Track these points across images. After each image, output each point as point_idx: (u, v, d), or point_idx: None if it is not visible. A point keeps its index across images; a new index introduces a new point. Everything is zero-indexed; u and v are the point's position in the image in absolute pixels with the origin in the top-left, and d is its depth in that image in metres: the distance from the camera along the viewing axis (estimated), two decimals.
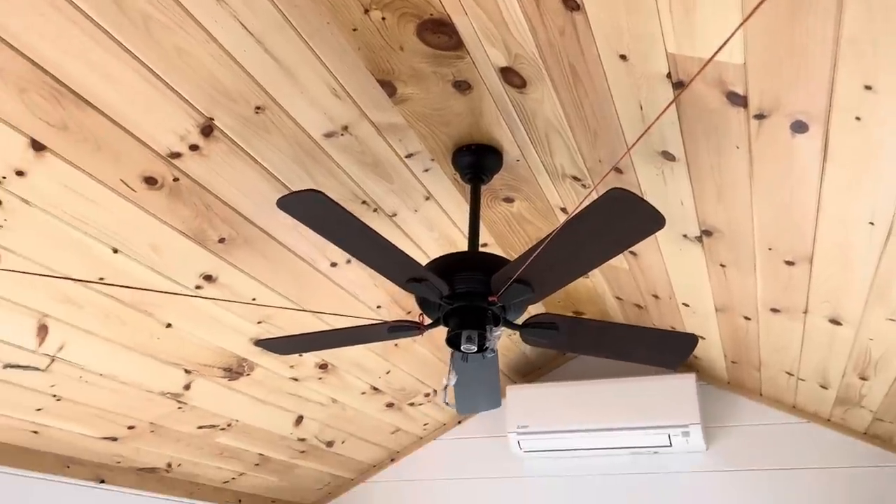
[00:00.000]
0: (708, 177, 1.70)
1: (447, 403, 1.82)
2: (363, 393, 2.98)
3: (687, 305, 2.51)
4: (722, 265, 2.10)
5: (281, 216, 1.92)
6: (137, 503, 2.74)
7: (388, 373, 2.92)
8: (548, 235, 1.40)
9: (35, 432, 2.27)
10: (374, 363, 2.81)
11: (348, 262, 2.23)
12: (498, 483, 3.44)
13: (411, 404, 3.27)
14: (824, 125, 1.38)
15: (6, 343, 1.89)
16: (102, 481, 2.59)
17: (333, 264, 2.21)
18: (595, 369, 3.48)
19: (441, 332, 2.79)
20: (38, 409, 2.18)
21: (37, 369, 2.02)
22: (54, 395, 2.15)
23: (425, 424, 3.53)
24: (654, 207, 1.27)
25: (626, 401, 3.07)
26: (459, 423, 3.63)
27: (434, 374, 3.09)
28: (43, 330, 1.91)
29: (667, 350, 1.78)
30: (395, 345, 2.77)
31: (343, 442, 3.29)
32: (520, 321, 1.77)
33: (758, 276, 2.07)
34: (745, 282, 2.14)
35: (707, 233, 1.95)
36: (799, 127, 1.40)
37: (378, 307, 2.52)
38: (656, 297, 2.55)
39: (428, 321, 1.77)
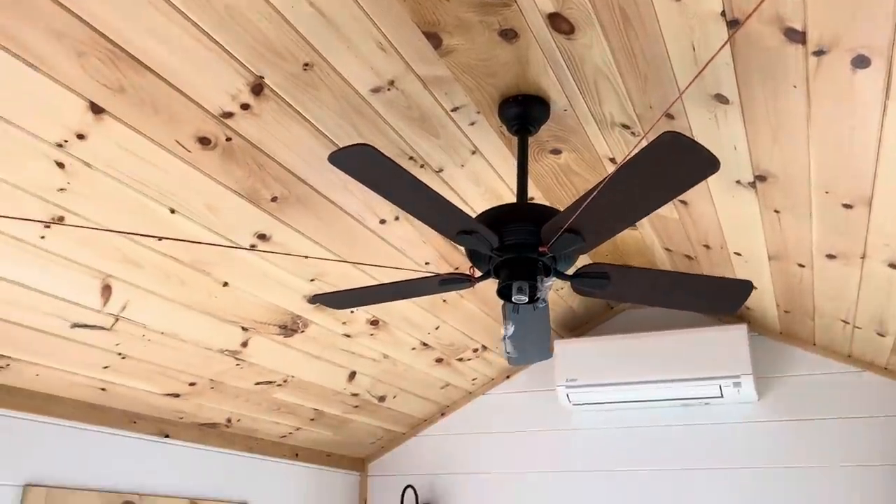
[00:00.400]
0: (763, 119, 1.66)
1: (508, 353, 1.85)
2: (413, 349, 3.03)
3: (739, 255, 2.48)
4: (776, 211, 2.06)
5: (331, 174, 1.94)
6: (199, 457, 2.85)
7: (437, 328, 2.96)
8: (600, 182, 1.39)
9: (103, 389, 2.37)
10: (424, 319, 2.84)
11: (396, 218, 2.25)
12: (547, 436, 3.48)
13: (460, 359, 3.31)
14: (887, 60, 1.33)
15: (73, 303, 1.96)
16: (167, 436, 2.69)
17: (382, 221, 2.24)
18: (642, 323, 3.47)
19: (489, 286, 2.81)
20: (105, 367, 2.27)
21: (102, 328, 2.10)
22: (119, 354, 2.24)
23: (474, 379, 3.58)
24: (708, 150, 1.25)
25: (676, 353, 3.06)
26: (508, 377, 3.66)
27: (482, 330, 3.12)
28: (107, 290, 1.98)
29: (721, 297, 1.77)
30: (444, 301, 2.80)
31: (394, 396, 3.36)
32: (570, 271, 1.77)
33: (813, 221, 2.03)
34: (800, 227, 2.10)
35: (761, 178, 1.91)
36: (860, 62, 1.36)
37: (426, 263, 2.55)
38: (707, 247, 2.52)
39: (478, 274, 1.78)
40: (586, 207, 1.45)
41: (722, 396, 3.05)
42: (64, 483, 2.29)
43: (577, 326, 3.55)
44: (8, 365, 2.08)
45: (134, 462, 2.55)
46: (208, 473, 2.87)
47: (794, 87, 1.50)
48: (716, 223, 2.30)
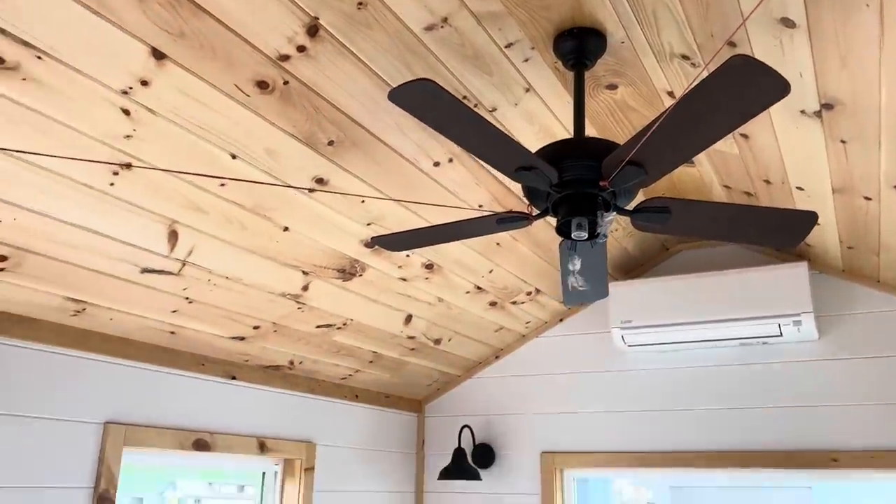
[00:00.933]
0: (831, 43, 1.60)
1: (579, 287, 1.86)
2: (467, 292, 3.06)
3: (801, 189, 2.41)
4: (842, 141, 1.99)
5: (385, 116, 1.95)
6: (265, 398, 2.96)
7: (490, 272, 2.98)
8: (664, 111, 1.37)
9: (172, 333, 2.46)
10: (478, 263, 2.86)
11: (450, 160, 2.25)
12: (601, 377, 3.50)
13: (514, 303, 3.33)
14: None
15: (142, 249, 2.03)
16: (233, 378, 2.80)
17: (436, 164, 2.24)
18: (698, 264, 3.43)
19: (543, 229, 2.80)
20: (174, 311, 2.35)
21: (170, 273, 2.17)
22: (187, 298, 2.32)
23: (527, 323, 3.60)
24: (777, 73, 1.21)
25: (734, 292, 3.03)
26: (561, 321, 3.68)
27: (535, 273, 3.13)
28: (173, 236, 2.05)
29: (784, 229, 1.73)
30: (498, 244, 2.80)
31: (449, 340, 3.41)
32: (630, 207, 1.75)
33: (882, 150, 1.96)
34: (868, 158, 2.03)
35: (828, 106, 1.85)
36: None
37: (480, 206, 2.55)
38: (768, 182, 2.46)
39: (536, 212, 1.78)
40: (649, 138, 1.43)
41: (781, 335, 3.02)
42: (140, 421, 2.41)
43: (633, 269, 3.52)
44: (84, 309, 2.17)
45: (204, 402, 2.66)
46: (274, 413, 2.99)
47: (867, 5, 1.44)
48: (777, 157, 2.24)
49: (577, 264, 1.81)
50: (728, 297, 3.03)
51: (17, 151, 1.60)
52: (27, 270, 1.93)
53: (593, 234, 1.70)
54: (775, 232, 1.76)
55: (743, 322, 3.00)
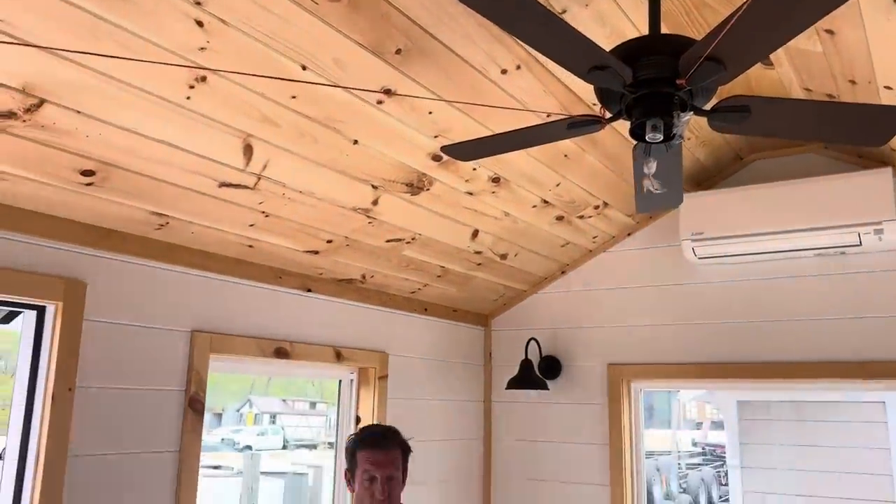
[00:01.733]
0: None
1: (653, 192, 1.84)
2: (534, 206, 3.05)
3: (889, 88, 2.29)
4: None
5: (452, 23, 1.92)
6: (339, 310, 3.06)
7: (557, 185, 2.95)
8: (744, 2, 1.31)
9: (250, 246, 2.55)
10: (545, 176, 2.84)
11: (518, 67, 2.21)
12: (670, 291, 3.49)
13: (581, 217, 3.31)
14: None
15: (219, 163, 2.09)
16: (309, 290, 2.90)
17: (504, 72, 2.21)
18: (774, 173, 3.32)
19: (613, 139, 2.75)
20: (251, 225, 2.43)
21: (246, 187, 2.24)
22: (263, 212, 2.39)
23: (595, 237, 3.58)
24: None
25: (811, 201, 2.94)
26: (629, 235, 3.65)
27: (603, 186, 3.09)
28: (248, 150, 2.10)
29: (871, 126, 1.66)
30: (565, 156, 2.77)
31: (516, 255, 3.43)
32: (708, 106, 1.70)
33: None
34: None
35: None
36: None
37: (548, 115, 2.51)
38: (853, 82, 2.34)
39: (609, 115, 1.75)
40: (729, 32, 1.37)
41: (860, 245, 2.92)
42: (224, 330, 2.53)
43: (705, 180, 3.44)
44: (167, 223, 2.27)
45: (282, 313, 2.78)
46: (349, 325, 3.09)
47: None
48: (865, 53, 2.12)
49: (651, 168, 1.78)
50: (805, 205, 2.94)
51: (108, 56, 1.65)
52: (113, 185, 2.02)
53: (669, 136, 1.66)
54: (861, 129, 1.68)
55: (820, 231, 2.92)
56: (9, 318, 2.18)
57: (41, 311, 2.08)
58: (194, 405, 2.38)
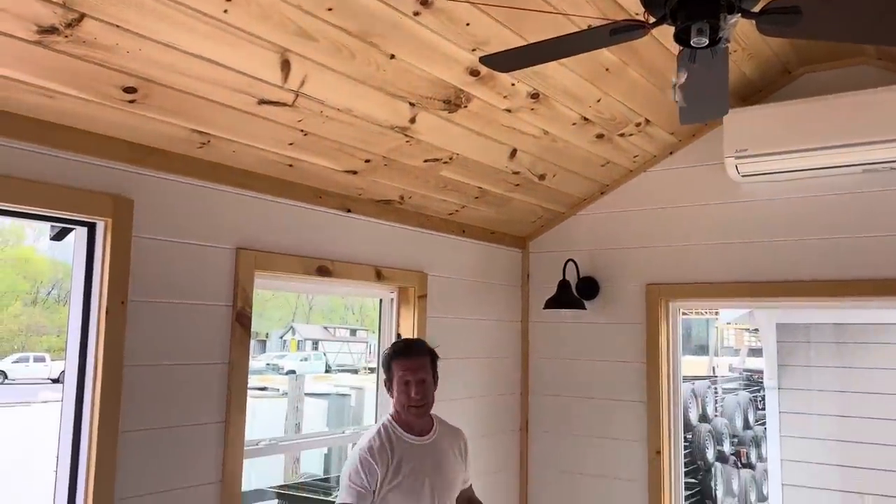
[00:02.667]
0: None
1: (676, 101, 1.80)
2: (573, 124, 3.01)
3: None
4: None
5: None
6: (378, 230, 3.09)
7: (598, 101, 2.90)
8: None
9: (290, 165, 2.57)
10: (585, 91, 2.79)
11: None
12: (712, 210, 3.44)
13: (621, 135, 3.25)
14: None
15: (257, 79, 2.10)
16: (349, 210, 2.93)
17: None
18: (824, 87, 3.20)
19: (656, 52, 2.67)
20: (290, 144, 2.45)
21: (285, 105, 2.24)
22: (301, 131, 2.40)
23: (635, 156, 3.53)
24: None
25: (861, 114, 2.84)
26: (671, 153, 3.58)
27: (645, 102, 3.02)
28: (286, 65, 2.09)
29: None
30: (606, 70, 2.70)
31: (554, 175, 3.40)
32: (756, 8, 1.64)
33: None
34: None
35: None
36: None
37: (589, 27, 2.44)
38: None
39: (652, 20, 1.69)
40: None
41: None
42: (268, 248, 2.59)
43: (751, 95, 3.34)
44: (209, 142, 2.29)
45: (323, 232, 2.82)
46: (388, 245, 3.13)
47: None
48: None
49: (682, 78, 1.73)
50: (854, 119, 2.85)
51: None
52: (155, 102, 2.04)
53: (715, 41, 1.61)
54: None
55: (869, 146, 2.83)
56: (61, 235, 2.25)
57: (91, 228, 2.14)
58: (241, 320, 2.46)
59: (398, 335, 3.25)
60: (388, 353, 2.55)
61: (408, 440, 2.46)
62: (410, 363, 2.47)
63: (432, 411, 2.54)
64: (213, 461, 2.37)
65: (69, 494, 2.06)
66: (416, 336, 3.20)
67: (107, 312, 2.09)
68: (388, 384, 2.52)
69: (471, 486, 2.70)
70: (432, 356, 2.55)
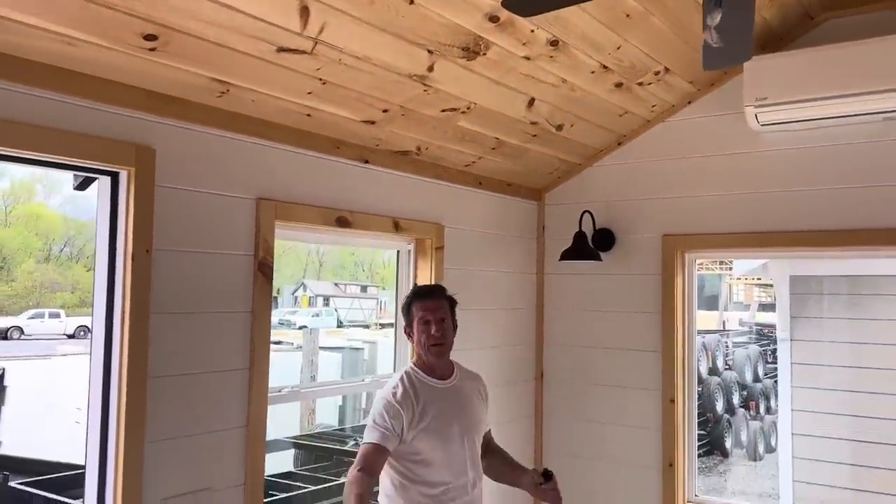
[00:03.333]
0: None
1: (714, 43, 1.78)
2: (592, 72, 2.97)
3: None
4: None
5: None
6: (395, 181, 3.10)
7: (618, 49, 2.86)
8: None
9: (308, 115, 2.57)
10: (605, 38, 2.75)
11: None
12: (730, 160, 3.42)
13: (640, 84, 3.22)
14: None
15: (276, 26, 2.08)
16: (366, 161, 2.93)
17: None
18: (847, 34, 3.14)
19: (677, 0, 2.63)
20: (309, 93, 2.44)
21: (304, 52, 2.23)
22: (320, 79, 2.39)
23: (653, 106, 3.49)
24: None
25: (882, 62, 2.81)
26: (689, 103, 3.54)
27: (666, 50, 2.98)
28: (305, 11, 2.07)
29: None
30: (627, 16, 2.66)
31: (571, 125, 3.38)
32: None
33: None
34: None
35: None
36: None
37: None
38: None
39: None
40: None
41: None
42: (288, 198, 2.60)
43: (771, 42, 3.28)
44: (228, 91, 2.29)
45: (341, 183, 2.83)
46: (406, 197, 3.14)
47: None
48: None
49: (719, 18, 1.70)
50: (875, 66, 2.81)
51: None
52: (175, 49, 2.03)
53: None
54: None
55: (891, 94, 2.79)
56: (84, 184, 2.27)
57: (115, 178, 2.16)
58: (263, 269, 2.49)
59: (415, 286, 3.28)
60: (408, 297, 2.60)
61: (431, 384, 2.51)
62: (430, 304, 2.52)
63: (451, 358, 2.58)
64: (239, 406, 2.42)
65: (101, 437, 2.12)
66: None
67: (132, 260, 2.11)
68: (409, 329, 2.56)
69: (490, 430, 2.74)
70: (451, 301, 2.59)
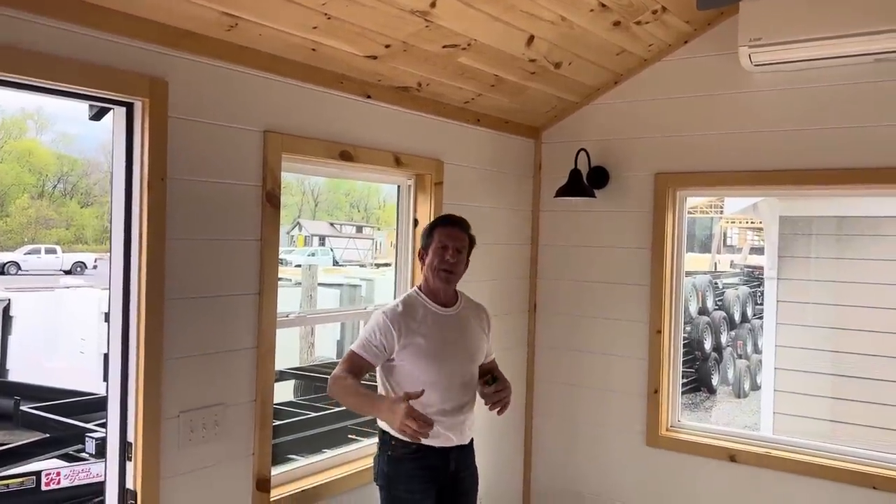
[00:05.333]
0: None
1: None
2: (591, 10, 3.03)
3: None
4: None
5: None
6: (396, 117, 3.18)
7: None
8: None
9: (313, 49, 2.64)
10: None
11: None
12: (723, 99, 3.50)
13: (637, 23, 3.27)
14: None
15: None
16: (369, 96, 3.01)
17: None
18: None
19: None
20: (314, 28, 2.50)
21: None
22: (325, 14, 2.45)
23: (650, 45, 3.55)
24: None
25: (874, 3, 2.87)
26: (685, 42, 3.60)
27: None
28: None
29: None
30: None
31: (570, 63, 3.44)
32: None
33: None
34: None
35: None
36: None
37: None
38: None
39: None
40: None
41: None
42: (294, 131, 2.69)
43: None
44: (236, 24, 2.36)
45: (344, 117, 2.91)
46: (406, 132, 3.23)
47: None
48: None
49: None
50: (867, 7, 2.88)
51: None
52: None
53: None
54: None
55: (882, 35, 2.87)
56: (99, 115, 2.36)
57: (130, 108, 2.24)
58: (271, 199, 2.60)
59: (415, 221, 3.39)
60: (433, 222, 2.71)
61: (433, 308, 2.62)
62: (453, 232, 2.62)
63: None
64: (251, 328, 2.56)
65: (122, 355, 2.27)
66: None
67: (149, 187, 2.22)
68: (424, 252, 2.64)
69: (494, 359, 2.87)
70: (472, 239, 2.69)
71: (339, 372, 2.49)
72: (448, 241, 2.59)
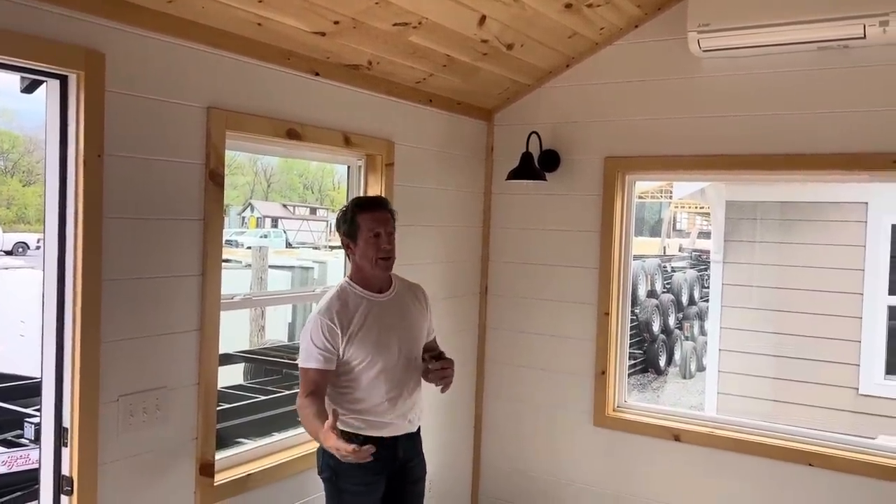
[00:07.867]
0: None
1: None
2: None
3: None
4: None
5: None
6: (346, 95, 3.13)
7: None
8: None
9: (259, 24, 2.56)
10: None
11: None
12: (673, 84, 3.53)
13: (589, 6, 3.27)
14: None
15: None
16: (317, 74, 2.94)
17: None
18: None
19: None
20: (260, 1, 2.43)
21: None
22: None
23: (602, 29, 3.56)
24: None
25: None
26: (636, 27, 3.62)
27: None
28: None
29: None
30: None
31: (522, 45, 3.43)
32: None
33: None
34: None
35: None
36: None
37: None
38: None
39: None
40: None
41: (864, 38, 2.94)
42: (239, 108, 2.62)
43: None
44: None
45: (292, 95, 2.85)
46: (356, 111, 3.18)
47: None
48: None
49: None
50: None
51: None
52: None
53: None
54: None
55: (823, 24, 2.93)
56: (31, 87, 2.26)
57: (64, 81, 2.15)
58: (214, 178, 2.53)
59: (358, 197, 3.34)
60: (350, 207, 2.52)
61: (368, 297, 2.54)
62: (381, 215, 2.50)
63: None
64: (193, 310, 2.50)
65: (57, 338, 2.19)
66: None
67: (84, 164, 2.13)
68: (351, 241, 2.51)
69: (434, 338, 2.85)
70: (393, 214, 2.58)
71: (299, 399, 2.41)
72: (378, 226, 2.47)
